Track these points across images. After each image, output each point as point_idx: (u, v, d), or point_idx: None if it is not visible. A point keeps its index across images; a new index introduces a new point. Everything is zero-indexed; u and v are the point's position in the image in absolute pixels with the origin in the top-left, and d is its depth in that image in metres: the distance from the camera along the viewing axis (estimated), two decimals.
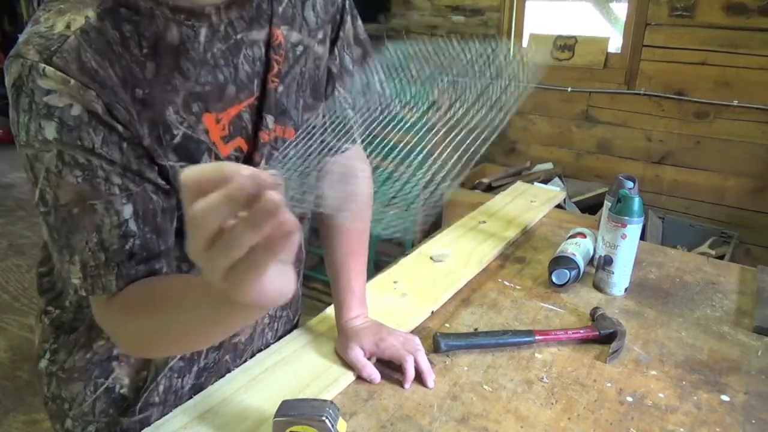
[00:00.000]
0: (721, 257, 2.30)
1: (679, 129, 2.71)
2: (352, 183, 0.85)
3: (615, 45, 2.86)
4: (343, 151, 0.84)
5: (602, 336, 0.94)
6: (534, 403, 0.81)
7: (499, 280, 1.16)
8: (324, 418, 0.66)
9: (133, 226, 0.60)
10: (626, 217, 1.06)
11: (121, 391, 0.79)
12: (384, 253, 2.92)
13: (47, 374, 0.80)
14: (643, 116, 2.78)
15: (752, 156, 2.57)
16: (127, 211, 0.60)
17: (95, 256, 0.59)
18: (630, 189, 1.10)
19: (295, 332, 0.94)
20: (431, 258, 1.20)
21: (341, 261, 0.90)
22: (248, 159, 0.71)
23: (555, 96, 2.99)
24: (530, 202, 1.54)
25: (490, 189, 2.86)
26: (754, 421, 0.79)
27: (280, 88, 0.72)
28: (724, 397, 0.84)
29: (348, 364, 0.86)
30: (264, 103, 0.69)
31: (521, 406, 0.81)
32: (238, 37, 0.65)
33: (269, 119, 0.70)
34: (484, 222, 1.39)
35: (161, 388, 0.80)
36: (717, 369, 0.90)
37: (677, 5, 2.55)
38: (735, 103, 2.53)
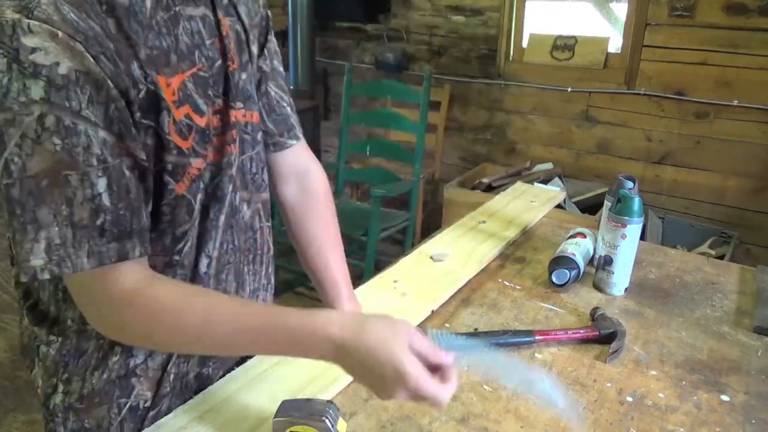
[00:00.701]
0: (721, 257, 2.30)
1: (679, 129, 2.71)
2: (307, 180, 0.92)
3: (615, 45, 2.86)
4: (287, 147, 0.90)
5: (602, 336, 0.94)
6: (534, 403, 0.81)
7: (499, 280, 1.16)
8: (324, 418, 0.66)
9: (106, 200, 0.59)
10: (626, 217, 1.06)
11: (146, 405, 0.78)
12: (384, 253, 2.92)
13: (63, 410, 0.76)
14: (643, 116, 2.78)
15: (752, 156, 2.57)
16: (102, 184, 0.59)
17: (62, 232, 0.57)
18: (630, 189, 1.10)
19: None
20: (431, 258, 1.20)
21: (322, 261, 0.90)
22: (222, 133, 0.73)
23: (555, 96, 2.99)
24: (530, 202, 1.54)
25: (490, 189, 2.86)
26: (754, 421, 0.79)
27: (243, 76, 0.76)
28: (724, 397, 0.84)
29: None
30: (228, 85, 0.73)
31: (521, 406, 0.81)
32: (177, 9, 0.66)
33: (236, 102, 0.74)
34: (484, 222, 1.39)
35: (171, 377, 0.79)
36: (717, 369, 0.90)
37: (677, 5, 2.55)
38: (735, 103, 2.53)
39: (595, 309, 1.02)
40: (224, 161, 0.74)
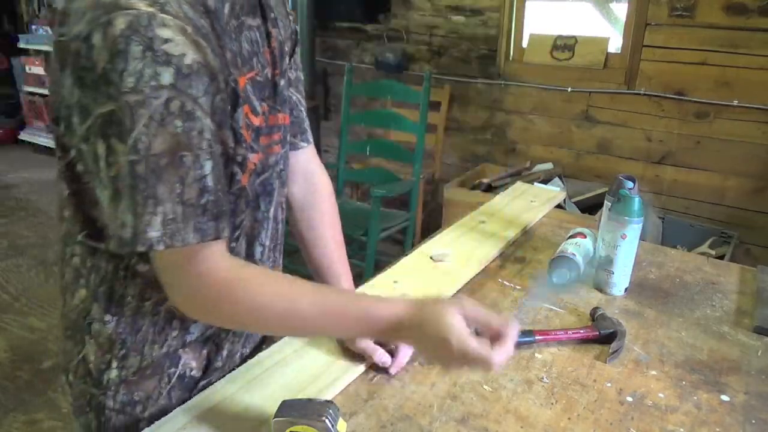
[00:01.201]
0: (721, 257, 2.30)
1: (679, 129, 2.71)
2: (313, 181, 1.00)
3: (615, 45, 2.86)
4: (298, 148, 0.97)
5: (602, 336, 0.94)
6: (534, 403, 0.81)
7: (499, 280, 1.16)
8: (324, 418, 0.66)
9: (210, 182, 0.65)
10: (626, 217, 1.06)
11: (191, 373, 0.83)
12: (384, 253, 2.92)
13: (117, 383, 0.79)
14: (643, 116, 2.78)
15: (752, 156, 2.57)
16: (208, 167, 0.64)
17: (174, 208, 0.62)
18: (630, 189, 1.10)
19: None
20: (431, 258, 1.20)
21: (326, 258, 0.96)
22: (269, 134, 0.80)
23: (555, 96, 2.99)
24: (530, 202, 1.54)
25: (490, 189, 2.86)
26: (754, 421, 0.79)
27: (282, 82, 0.83)
28: (724, 397, 0.84)
29: (353, 358, 0.86)
30: (275, 90, 0.81)
31: (521, 406, 0.81)
32: (242, 19, 0.73)
33: (279, 106, 0.82)
34: (484, 222, 1.39)
35: (225, 353, 0.86)
36: (717, 369, 0.90)
37: (677, 5, 2.55)
38: (735, 103, 2.53)
39: (595, 309, 1.02)
40: (272, 160, 0.82)
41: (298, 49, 0.93)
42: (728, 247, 2.47)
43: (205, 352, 0.84)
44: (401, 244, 2.98)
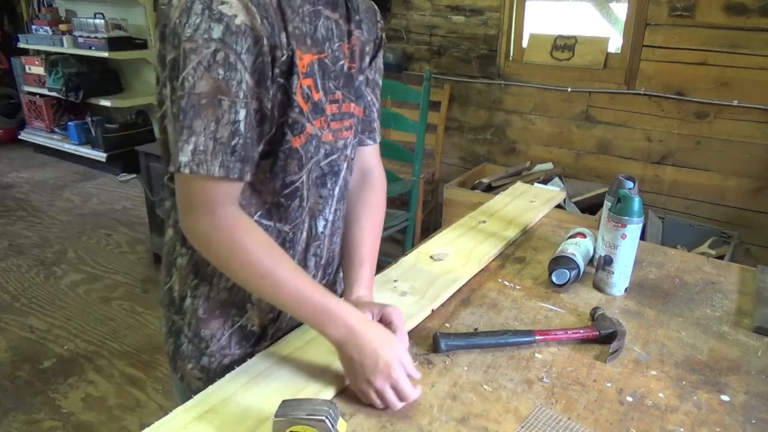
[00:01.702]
0: (721, 257, 2.30)
1: (679, 129, 2.71)
2: (369, 175, 1.05)
3: (615, 45, 2.86)
4: (364, 145, 1.03)
5: (602, 336, 0.95)
6: (534, 403, 0.81)
7: (499, 280, 1.16)
8: (324, 418, 0.66)
9: (242, 127, 0.74)
10: (626, 217, 1.06)
11: (252, 328, 0.92)
12: (384, 253, 2.91)
13: (191, 312, 0.89)
14: (643, 116, 2.78)
15: (752, 156, 2.57)
16: (242, 114, 0.74)
17: (206, 143, 0.72)
18: (630, 189, 1.10)
19: (296, 332, 0.94)
20: (431, 257, 1.21)
21: (357, 242, 0.99)
22: (340, 120, 0.89)
23: (555, 96, 2.99)
24: (530, 202, 1.54)
25: (490, 189, 2.86)
26: (754, 421, 0.79)
27: (360, 78, 0.93)
28: (724, 397, 0.84)
29: None
30: (350, 83, 0.90)
31: (521, 406, 0.81)
32: (319, 7, 0.83)
33: (350, 97, 0.91)
34: (484, 222, 1.39)
35: (288, 315, 0.92)
36: (717, 369, 0.90)
37: (677, 5, 2.55)
38: (735, 103, 2.53)
39: (595, 309, 1.02)
40: (341, 143, 0.91)
41: (380, 54, 1.00)
42: (728, 247, 2.47)
43: (271, 315, 0.92)
44: (401, 244, 2.98)
